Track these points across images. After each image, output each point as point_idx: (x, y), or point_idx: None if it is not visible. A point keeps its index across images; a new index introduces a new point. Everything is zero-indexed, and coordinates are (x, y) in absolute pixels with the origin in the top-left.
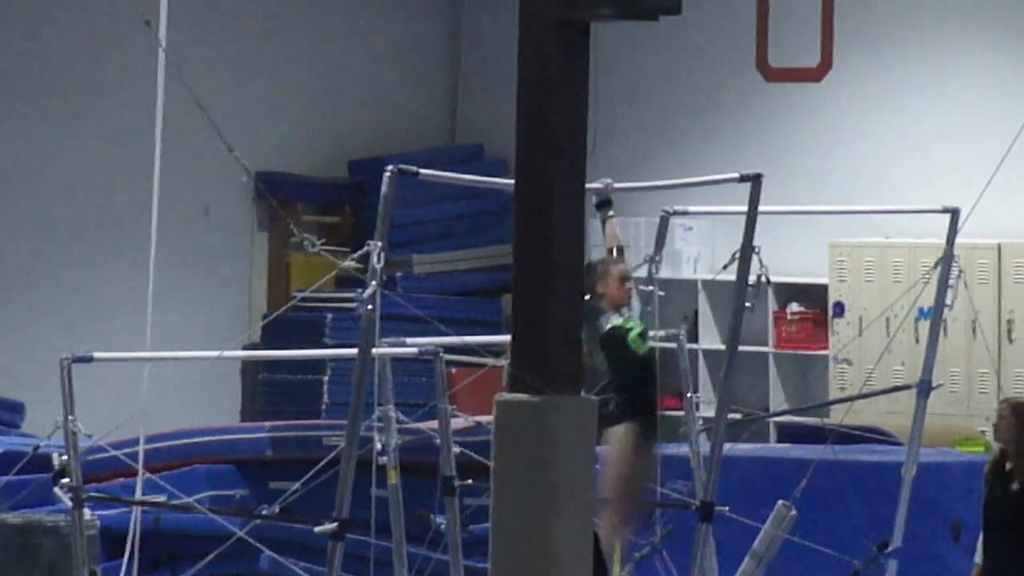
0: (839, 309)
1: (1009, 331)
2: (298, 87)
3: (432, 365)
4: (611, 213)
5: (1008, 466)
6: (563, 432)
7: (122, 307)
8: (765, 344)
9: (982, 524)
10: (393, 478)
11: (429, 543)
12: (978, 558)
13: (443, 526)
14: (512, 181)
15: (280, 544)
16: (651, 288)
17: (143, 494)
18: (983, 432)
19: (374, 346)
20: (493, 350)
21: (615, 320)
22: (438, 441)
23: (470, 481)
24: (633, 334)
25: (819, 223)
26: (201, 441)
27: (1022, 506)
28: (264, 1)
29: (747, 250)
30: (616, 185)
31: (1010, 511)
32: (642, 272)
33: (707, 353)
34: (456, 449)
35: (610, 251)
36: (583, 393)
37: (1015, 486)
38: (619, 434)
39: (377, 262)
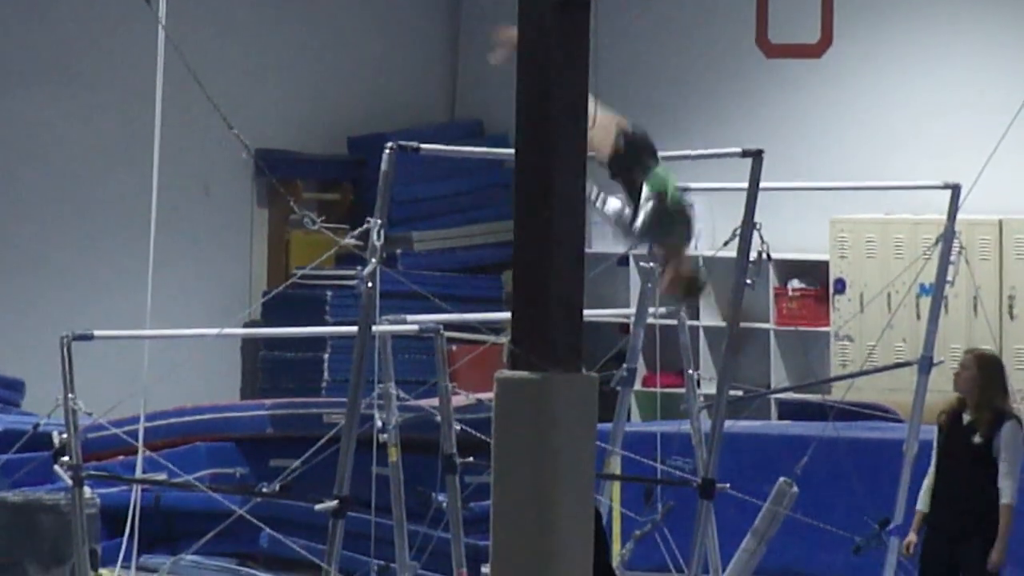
0: (840, 286)
1: (1010, 307)
2: (298, 64)
3: (432, 342)
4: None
5: (967, 418)
6: (564, 409)
7: (122, 285)
8: (766, 321)
9: (933, 473)
10: (394, 456)
11: (430, 521)
12: (921, 506)
13: (444, 504)
14: (513, 151)
15: (280, 522)
16: (651, 265)
17: (143, 472)
18: None
19: (374, 323)
20: (494, 327)
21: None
22: (439, 419)
23: (471, 459)
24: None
25: (820, 199)
26: (201, 419)
27: (983, 458)
28: None
29: (748, 226)
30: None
31: (970, 463)
32: (643, 249)
33: (708, 330)
34: (457, 427)
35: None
36: (584, 370)
37: (977, 439)
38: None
39: (377, 239)
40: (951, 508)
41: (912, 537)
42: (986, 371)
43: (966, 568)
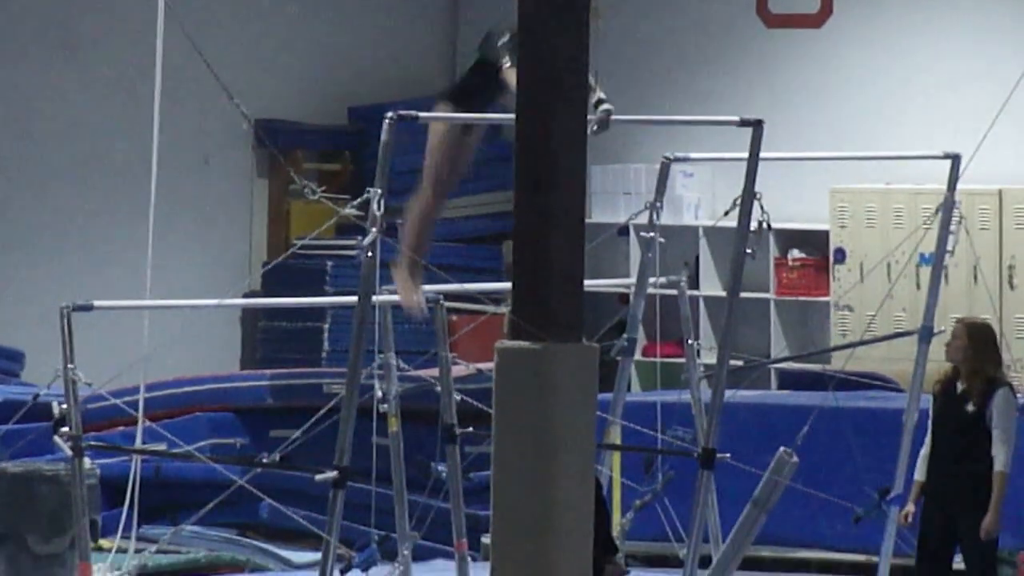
0: (840, 255)
1: (1010, 277)
2: (298, 34)
3: (433, 312)
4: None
5: (960, 387)
6: (564, 379)
7: (122, 255)
8: (766, 291)
9: (930, 443)
10: (394, 426)
11: (430, 491)
12: (918, 475)
13: (444, 474)
14: (513, 116)
15: (280, 492)
16: (652, 235)
17: (143, 442)
18: None
19: (374, 293)
20: (494, 297)
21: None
22: (439, 389)
23: (471, 429)
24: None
25: (820, 169)
26: (201, 389)
27: (976, 427)
28: None
29: (748, 196)
30: (615, 117)
31: (964, 432)
32: (643, 219)
33: (708, 300)
34: (457, 397)
35: None
36: (584, 340)
37: (970, 407)
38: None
39: (377, 209)
40: (946, 477)
41: (910, 507)
42: (977, 340)
43: (962, 536)
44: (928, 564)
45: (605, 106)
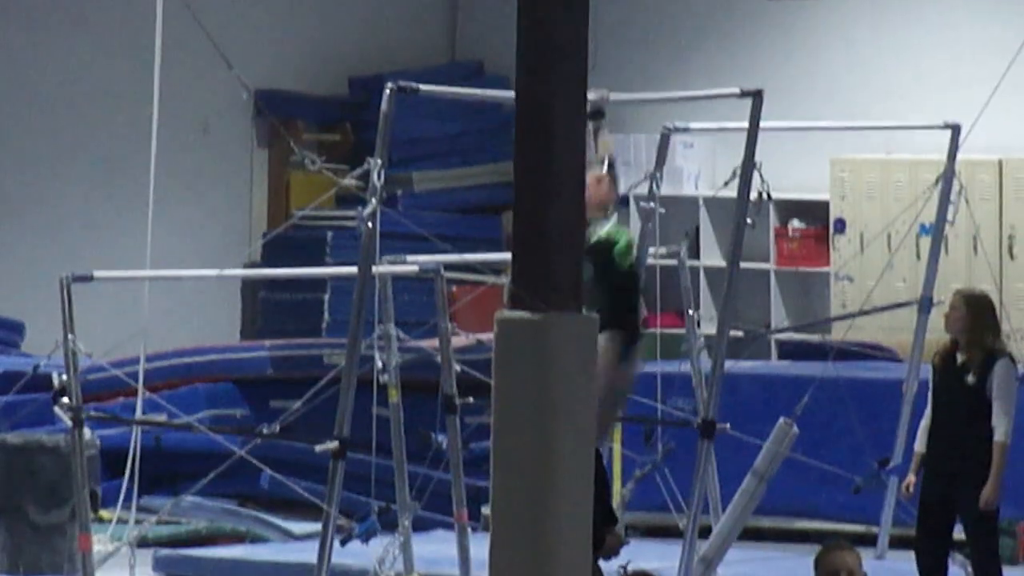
0: (840, 226)
1: (1010, 247)
2: (298, 4)
3: (432, 283)
4: (602, 124)
5: (960, 358)
6: (564, 349)
7: (122, 226)
8: (766, 261)
9: (930, 414)
10: (394, 396)
11: (430, 461)
12: (919, 447)
13: (444, 444)
14: (512, 93)
15: (281, 463)
16: (652, 205)
17: (143, 413)
18: None
19: (375, 264)
20: (494, 267)
21: (602, 231)
22: (439, 359)
23: (471, 399)
24: (620, 246)
25: (820, 139)
26: (201, 360)
27: (977, 398)
28: None
29: (748, 166)
30: (613, 96)
31: (964, 403)
32: (643, 189)
33: (708, 270)
34: (457, 367)
35: (600, 163)
36: (584, 310)
37: (970, 378)
38: (600, 344)
39: (377, 180)
40: (947, 448)
41: (911, 478)
42: (975, 311)
43: (962, 507)
44: (928, 535)
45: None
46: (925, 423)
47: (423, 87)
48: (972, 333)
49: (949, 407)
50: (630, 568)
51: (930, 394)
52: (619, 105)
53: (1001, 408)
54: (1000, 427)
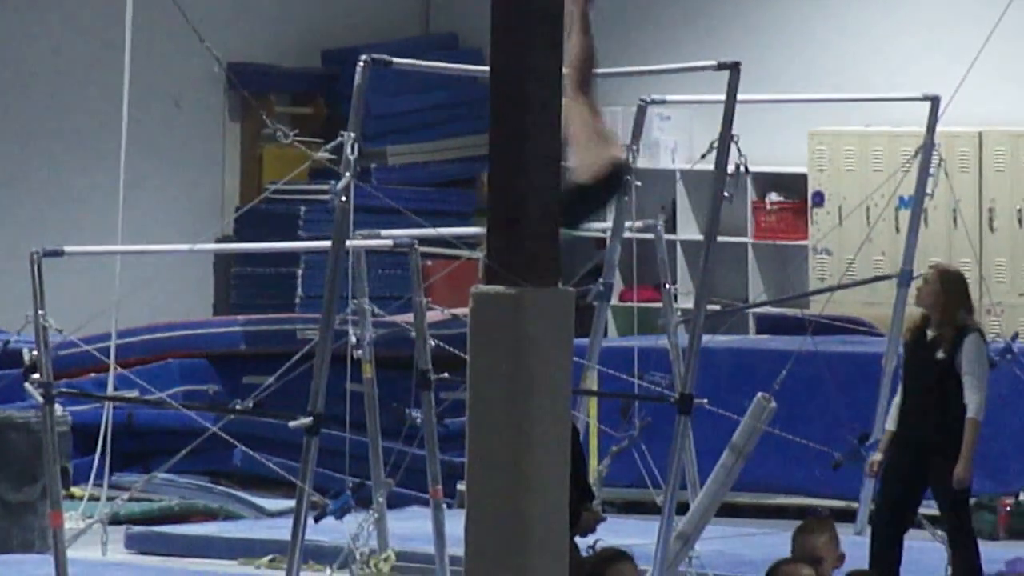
0: (819, 198)
1: (990, 220)
2: None
3: (407, 257)
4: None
5: (930, 334)
6: (540, 324)
7: (93, 200)
8: (744, 234)
9: (901, 391)
10: (368, 372)
11: (405, 438)
12: (891, 424)
13: (419, 420)
14: (487, 68)
15: (254, 439)
16: (628, 178)
17: (115, 389)
18: None
19: (348, 238)
20: (469, 242)
21: None
22: (413, 334)
23: (446, 375)
24: None
25: (799, 111)
26: (174, 336)
27: (947, 374)
28: None
29: (725, 139)
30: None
31: (934, 378)
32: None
33: (685, 244)
34: (432, 342)
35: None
36: (560, 284)
37: (940, 354)
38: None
39: (351, 153)
40: (918, 424)
41: (878, 456)
42: (949, 286)
43: (934, 483)
44: (889, 510)
45: None
46: (897, 400)
47: (396, 60)
48: (945, 309)
49: (920, 383)
50: (599, 546)
51: (902, 370)
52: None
53: (972, 384)
54: (972, 403)
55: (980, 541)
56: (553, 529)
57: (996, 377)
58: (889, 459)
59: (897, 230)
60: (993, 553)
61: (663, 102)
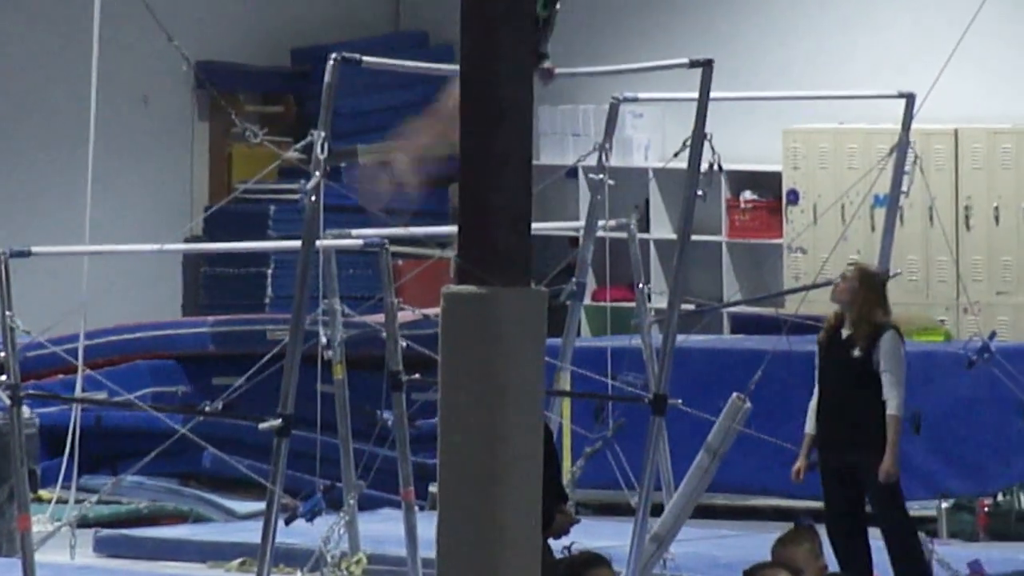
0: (793, 197)
1: (967, 218)
2: None
3: (378, 257)
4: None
5: (845, 333)
6: (512, 324)
7: (60, 200)
8: (718, 233)
9: (818, 393)
10: (339, 373)
11: (376, 439)
12: (809, 428)
13: (390, 422)
14: (457, 67)
15: (224, 441)
16: (601, 177)
17: (83, 391)
18: (943, 322)
19: (318, 238)
20: (440, 241)
21: None
22: (384, 335)
23: (417, 376)
24: None
25: (773, 109)
26: (142, 336)
27: (863, 372)
28: None
29: (698, 137)
30: (559, 70)
31: (852, 377)
32: (592, 160)
33: (659, 243)
34: (403, 343)
35: None
36: (532, 284)
37: (856, 352)
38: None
39: (321, 152)
40: (839, 425)
41: (801, 462)
42: (867, 285)
43: (865, 484)
44: (838, 515)
45: (546, 63)
46: (813, 403)
47: (366, 59)
48: (862, 308)
49: (837, 383)
50: (573, 548)
51: (816, 373)
52: (564, 77)
53: (891, 381)
54: (892, 400)
55: (960, 543)
56: (526, 531)
57: (974, 377)
58: (821, 466)
59: (873, 228)
60: (973, 555)
61: (635, 100)
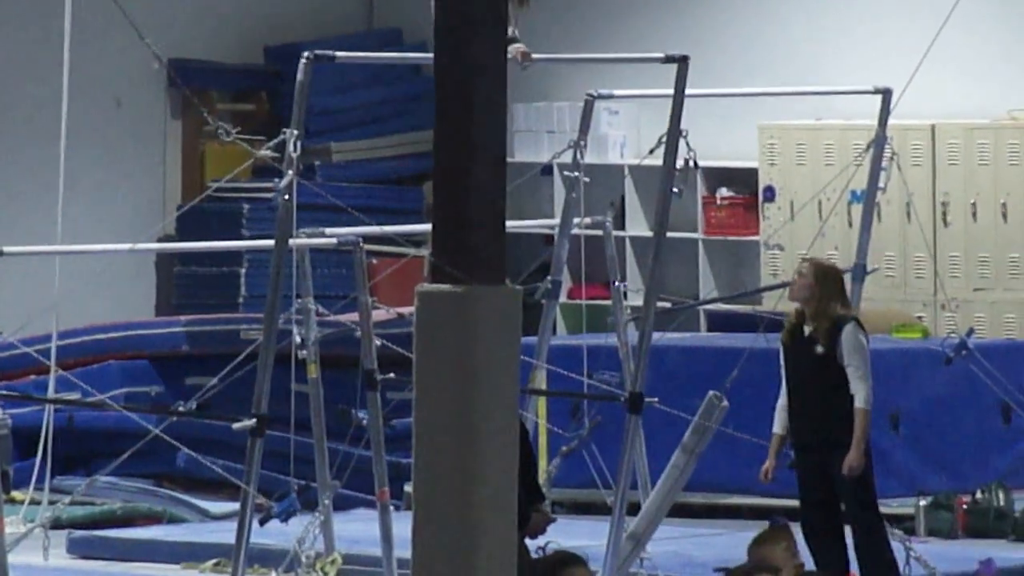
0: (770, 193)
1: (944, 214)
2: None
3: (352, 256)
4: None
5: (807, 330)
6: (487, 322)
7: (32, 200)
8: (694, 230)
9: (785, 392)
10: (313, 372)
11: (351, 439)
12: (777, 428)
13: (365, 421)
14: (430, 55)
15: (197, 441)
16: (576, 174)
17: (56, 392)
18: (920, 318)
19: (292, 237)
20: (414, 239)
21: None
22: (359, 334)
23: (392, 375)
24: None
25: (749, 105)
26: (115, 336)
27: (828, 368)
28: None
29: (674, 134)
30: (535, 56)
31: (818, 374)
32: (567, 158)
33: (634, 240)
34: (377, 342)
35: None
36: (507, 282)
37: (819, 348)
38: None
39: (294, 150)
40: (810, 423)
41: (770, 463)
42: (823, 281)
43: (836, 479)
44: (813, 515)
45: (517, 44)
46: (781, 403)
47: (340, 54)
48: (819, 302)
49: (804, 381)
50: (549, 548)
51: (782, 372)
52: (542, 68)
53: (856, 374)
54: (859, 393)
55: (938, 540)
56: (502, 531)
57: (952, 374)
58: (797, 466)
59: (850, 225)
60: (951, 552)
61: (611, 96)
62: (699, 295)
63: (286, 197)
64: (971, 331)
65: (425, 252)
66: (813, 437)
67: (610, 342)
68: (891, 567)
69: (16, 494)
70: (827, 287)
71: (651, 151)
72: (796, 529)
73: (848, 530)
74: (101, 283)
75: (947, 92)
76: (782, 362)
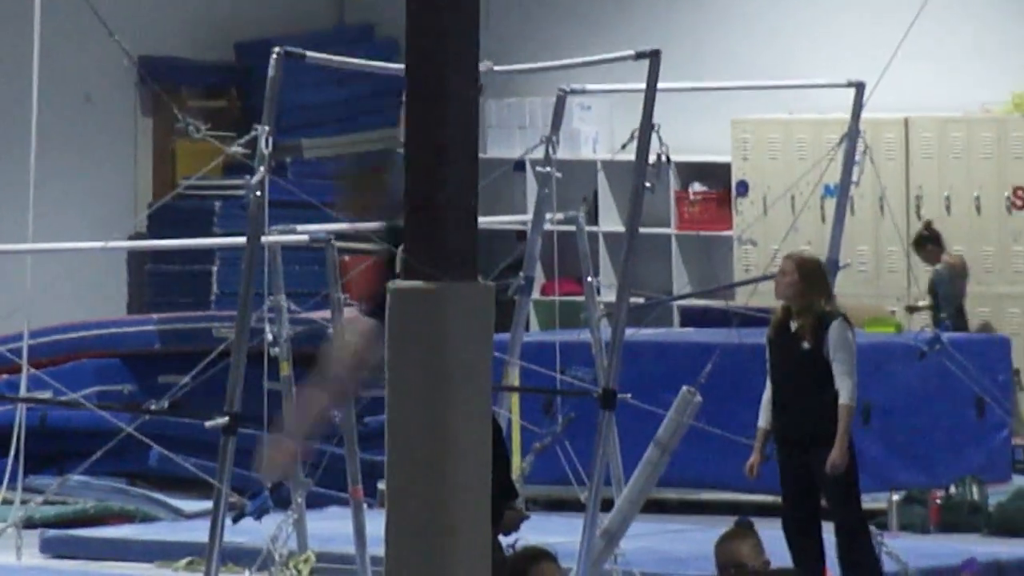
0: (743, 188)
1: (918, 207)
2: None
3: (324, 253)
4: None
5: (793, 326)
6: (459, 319)
7: (2, 198)
8: (667, 225)
9: (771, 387)
10: (285, 370)
11: (324, 437)
12: (762, 423)
13: (338, 419)
14: (402, 65)
15: (170, 440)
16: (548, 170)
17: (28, 390)
18: (893, 312)
19: (263, 234)
20: None
21: None
22: (331, 331)
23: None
24: None
25: (721, 100)
26: (87, 335)
27: (814, 364)
28: None
29: (646, 128)
30: (497, 68)
31: (804, 370)
32: (539, 153)
33: (607, 236)
34: None
35: None
36: (480, 278)
37: (805, 344)
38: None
39: (265, 147)
40: (794, 418)
41: (755, 458)
42: (807, 275)
43: (818, 476)
44: (793, 510)
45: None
46: (766, 398)
47: (310, 54)
48: (804, 298)
49: (790, 377)
50: (518, 545)
51: (768, 367)
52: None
53: (842, 370)
54: (844, 390)
55: (912, 535)
56: (475, 528)
57: (925, 368)
58: (780, 461)
59: (823, 219)
60: (925, 547)
61: (583, 92)
62: (672, 290)
63: (258, 194)
64: (945, 325)
65: (396, 249)
66: (796, 431)
67: (583, 338)
68: (874, 571)
69: None
70: (812, 283)
71: (623, 146)
72: (761, 527)
73: (829, 528)
74: (73, 282)
75: (920, 86)
76: (767, 356)
